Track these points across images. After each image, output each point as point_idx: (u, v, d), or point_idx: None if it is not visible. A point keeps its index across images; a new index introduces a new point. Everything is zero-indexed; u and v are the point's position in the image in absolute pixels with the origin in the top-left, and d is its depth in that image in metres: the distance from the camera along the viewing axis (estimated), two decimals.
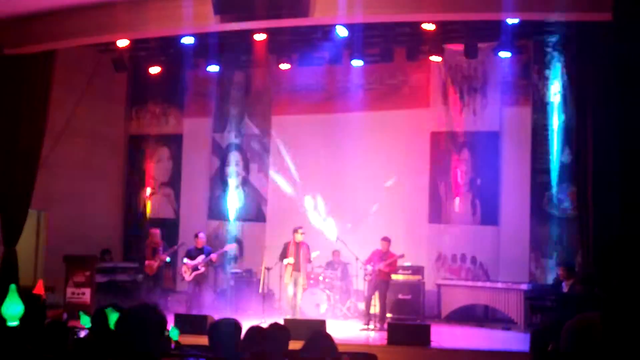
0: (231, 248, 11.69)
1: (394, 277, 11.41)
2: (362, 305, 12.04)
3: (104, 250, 13.20)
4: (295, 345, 5.88)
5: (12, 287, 4.24)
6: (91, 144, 13.99)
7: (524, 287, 11.13)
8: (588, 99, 10.29)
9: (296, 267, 11.16)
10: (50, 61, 11.70)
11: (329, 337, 4.93)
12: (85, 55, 12.93)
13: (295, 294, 11.17)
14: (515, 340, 10.01)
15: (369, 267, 10.89)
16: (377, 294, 10.92)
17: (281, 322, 9.28)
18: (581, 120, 10.56)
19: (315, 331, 4.74)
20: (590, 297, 7.54)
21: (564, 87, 12.33)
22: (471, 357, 8.69)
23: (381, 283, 10.83)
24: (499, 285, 11.67)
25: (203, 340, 8.47)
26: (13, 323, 4.01)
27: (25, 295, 4.24)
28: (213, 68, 13.58)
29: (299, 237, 11.19)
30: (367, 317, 10.77)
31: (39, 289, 8.53)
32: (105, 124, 14.53)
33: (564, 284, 9.80)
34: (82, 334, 4.56)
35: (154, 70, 13.46)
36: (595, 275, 8.90)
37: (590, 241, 10.28)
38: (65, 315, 6.09)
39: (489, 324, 11.65)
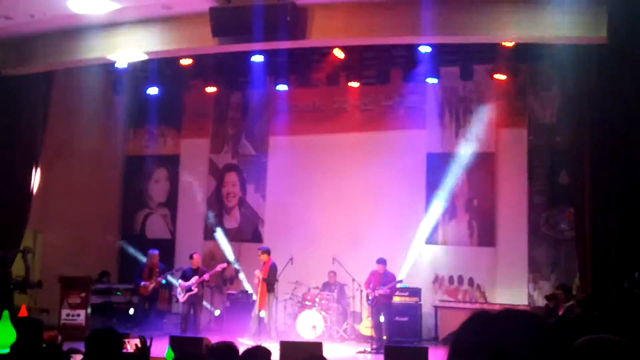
0: (222, 267, 11.62)
1: None
2: (359, 327, 11.96)
3: (102, 272, 13.12)
4: None
5: (5, 313, 4.17)
6: (88, 165, 13.97)
7: (522, 308, 11.07)
8: (584, 120, 10.32)
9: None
10: (48, 82, 11.75)
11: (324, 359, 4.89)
12: (84, 76, 12.96)
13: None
14: None
15: (369, 292, 10.81)
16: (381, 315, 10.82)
17: (277, 344, 9.24)
18: (577, 141, 10.58)
19: (310, 354, 4.70)
20: (589, 321, 7.49)
21: (560, 109, 12.37)
22: None
23: (384, 306, 10.75)
24: (497, 307, 11.59)
25: None
26: (3, 351, 3.93)
27: (20, 320, 4.16)
28: (210, 89, 13.63)
29: (264, 258, 11.12)
30: (380, 342, 10.61)
31: (23, 313, 8.31)
32: (103, 144, 14.52)
33: (559, 306, 9.75)
34: (77, 359, 4.51)
35: (152, 91, 13.50)
36: (594, 298, 8.86)
37: (588, 263, 10.24)
38: (60, 338, 6.00)
39: None
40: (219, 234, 13.90)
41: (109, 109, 14.55)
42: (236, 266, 12.95)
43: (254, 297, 11.19)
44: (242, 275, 13.63)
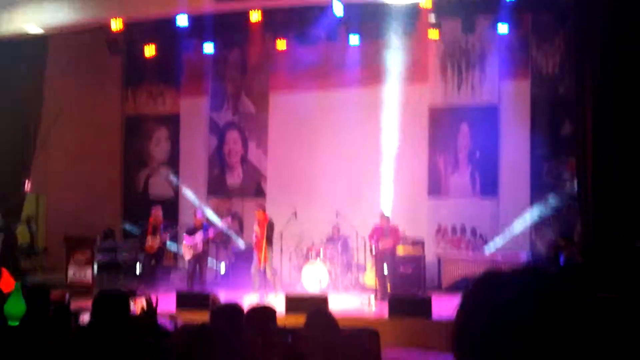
0: (225, 223, 11.69)
1: None
2: (363, 278, 12.10)
3: (107, 231, 13.19)
4: (297, 319, 5.93)
5: (17, 285, 4.23)
6: (88, 126, 13.93)
7: (523, 257, 11.21)
8: (587, 70, 10.24)
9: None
10: (44, 44, 11.64)
11: (330, 314, 4.96)
12: (80, 38, 12.81)
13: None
14: None
15: (372, 245, 10.88)
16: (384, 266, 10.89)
17: (282, 297, 9.41)
18: (580, 91, 10.53)
19: (316, 309, 4.78)
20: (591, 269, 7.58)
21: (563, 59, 12.26)
22: None
23: (388, 258, 10.83)
24: (499, 257, 11.72)
25: (204, 316, 8.55)
26: (14, 323, 3.99)
27: (28, 290, 4.22)
28: (208, 47, 13.48)
29: (260, 215, 11.12)
30: (384, 292, 10.69)
31: (6, 282, 7.93)
32: (101, 105, 14.44)
33: (561, 255, 9.85)
34: (85, 318, 4.58)
35: (149, 51, 13.37)
36: (595, 246, 8.94)
37: (589, 211, 10.32)
38: (67, 297, 6.09)
39: None
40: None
41: (105, 70, 14.42)
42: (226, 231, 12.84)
43: (255, 253, 11.21)
44: (233, 236, 13.66)
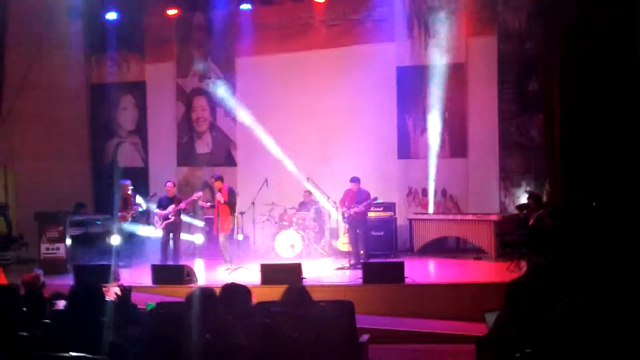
0: (198, 195, 11.65)
1: None
2: (336, 244, 12.19)
3: (78, 204, 13.00)
4: (273, 290, 5.97)
5: None
6: (52, 96, 13.58)
7: (494, 217, 11.38)
8: (555, 26, 10.28)
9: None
10: (2, 10, 11.28)
11: (304, 289, 5.01)
12: (38, 5, 12.40)
13: None
14: (487, 269, 10.32)
15: (344, 210, 10.90)
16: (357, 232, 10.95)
17: (257, 267, 9.45)
18: (547, 47, 10.58)
19: (291, 286, 4.80)
20: (559, 232, 7.73)
21: (531, 14, 12.25)
22: (444, 290, 8.91)
23: (360, 223, 10.89)
24: (470, 217, 11.88)
25: (179, 290, 8.59)
26: None
27: None
28: (172, 11, 13.18)
29: (218, 185, 11.09)
30: (357, 257, 10.78)
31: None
32: (64, 74, 14.02)
33: (530, 217, 9.98)
34: (60, 305, 4.56)
35: (111, 16, 13.03)
36: (564, 208, 9.09)
37: (557, 168, 10.48)
38: (42, 277, 6.02)
39: (460, 254, 11.92)
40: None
41: (66, 37, 13.98)
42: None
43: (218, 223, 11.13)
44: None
